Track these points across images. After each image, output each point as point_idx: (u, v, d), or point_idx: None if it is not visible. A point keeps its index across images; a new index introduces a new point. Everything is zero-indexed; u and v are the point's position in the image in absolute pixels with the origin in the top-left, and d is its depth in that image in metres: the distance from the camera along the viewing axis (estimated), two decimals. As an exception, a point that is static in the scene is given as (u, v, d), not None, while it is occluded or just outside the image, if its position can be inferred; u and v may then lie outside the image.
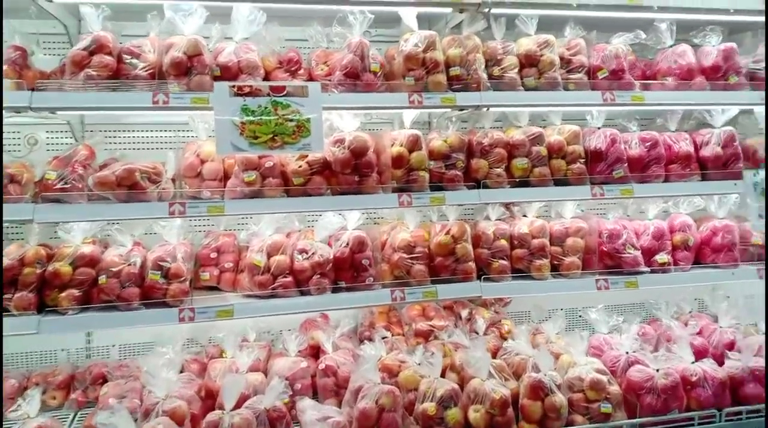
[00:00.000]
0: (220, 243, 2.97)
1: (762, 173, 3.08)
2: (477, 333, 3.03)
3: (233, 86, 2.58)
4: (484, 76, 2.91)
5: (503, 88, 2.91)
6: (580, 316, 3.51)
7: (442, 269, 2.88)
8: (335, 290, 2.74)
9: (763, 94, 3.10)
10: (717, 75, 3.11)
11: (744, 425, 2.71)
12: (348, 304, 2.73)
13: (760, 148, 3.19)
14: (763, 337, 2.98)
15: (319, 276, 2.69)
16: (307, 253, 2.72)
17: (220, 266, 2.92)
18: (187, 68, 2.61)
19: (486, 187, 2.91)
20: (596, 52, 3.12)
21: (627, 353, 2.87)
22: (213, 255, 2.94)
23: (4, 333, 2.33)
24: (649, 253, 3.12)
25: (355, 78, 2.75)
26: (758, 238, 3.16)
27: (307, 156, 2.73)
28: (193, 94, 2.56)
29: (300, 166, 2.71)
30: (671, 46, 3.20)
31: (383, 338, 2.89)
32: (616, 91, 2.99)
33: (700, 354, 2.93)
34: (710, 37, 3.18)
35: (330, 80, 2.77)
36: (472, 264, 2.89)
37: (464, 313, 3.12)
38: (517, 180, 2.96)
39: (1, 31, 2.54)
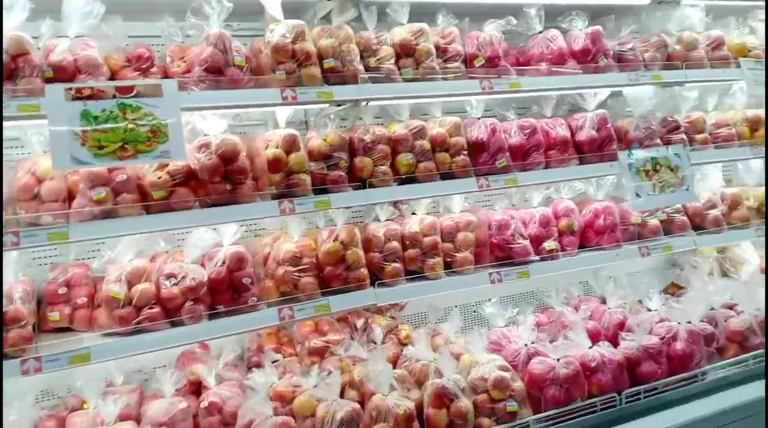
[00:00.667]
0: (69, 275, 2.51)
1: (636, 153, 3.16)
2: (375, 342, 2.84)
3: (70, 89, 2.17)
4: (361, 67, 2.72)
5: (382, 80, 2.75)
6: (475, 312, 3.45)
7: (334, 279, 2.65)
8: (213, 316, 2.41)
9: (629, 74, 3.19)
10: (587, 58, 3.15)
11: (643, 404, 2.76)
12: (229, 330, 2.40)
13: (630, 127, 3.28)
14: (653, 314, 3.07)
15: (192, 302, 2.34)
16: (176, 278, 2.36)
17: (72, 303, 2.47)
18: (10, 71, 2.18)
19: (372, 186, 2.72)
20: (470, 39, 3.05)
21: (526, 345, 2.82)
22: (62, 290, 2.48)
23: None
24: (537, 241, 3.10)
25: (217, 73, 2.44)
26: (637, 217, 3.25)
27: (167, 165, 2.37)
28: (20, 101, 2.14)
29: (159, 178, 2.35)
30: (541, 32, 3.20)
31: (274, 362, 2.61)
32: (494, 78, 2.93)
33: (594, 337, 2.94)
34: (576, 21, 3.23)
35: (189, 77, 2.44)
36: (364, 271, 2.69)
37: (359, 323, 2.91)
38: (404, 176, 2.81)
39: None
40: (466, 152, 2.95)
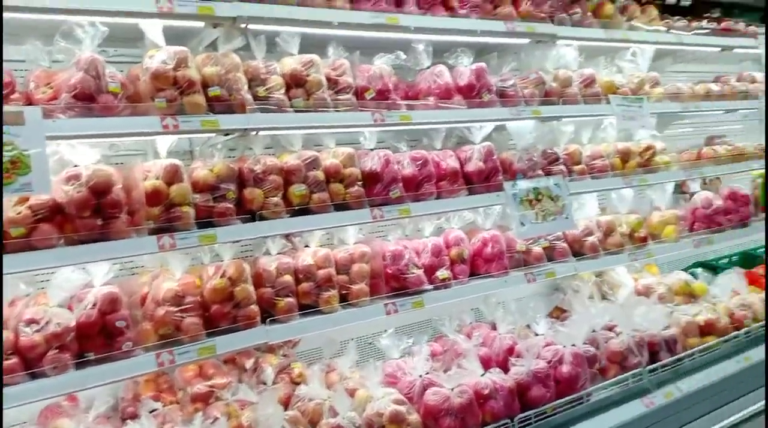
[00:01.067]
0: None
1: (519, 183, 3.30)
2: (265, 383, 2.70)
3: None
4: (249, 97, 2.64)
5: (272, 110, 2.67)
6: (371, 344, 3.40)
7: (221, 318, 2.50)
8: (81, 364, 2.17)
9: (511, 109, 3.34)
10: (472, 93, 3.26)
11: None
12: (99, 380, 2.16)
13: (514, 159, 3.42)
14: (540, 338, 3.17)
15: (57, 350, 2.10)
16: (38, 324, 2.12)
17: None
18: None
19: (263, 218, 2.62)
20: (361, 72, 3.07)
21: (421, 376, 2.81)
22: None
23: None
24: (430, 270, 3.12)
25: (88, 100, 2.26)
26: (522, 245, 3.38)
27: (28, 199, 2.14)
28: None
29: (19, 213, 2.12)
30: (429, 67, 3.29)
31: (152, 411, 2.39)
32: (385, 110, 2.96)
33: (486, 364, 2.98)
34: (462, 58, 3.35)
35: (56, 104, 2.23)
36: (254, 308, 2.56)
37: (249, 364, 2.76)
38: (296, 208, 2.73)
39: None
40: (360, 183, 2.93)
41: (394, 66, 3.21)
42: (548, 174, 3.52)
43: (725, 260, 4.81)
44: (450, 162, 3.24)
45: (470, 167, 3.29)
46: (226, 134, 2.74)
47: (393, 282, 3.00)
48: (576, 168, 3.67)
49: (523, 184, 3.34)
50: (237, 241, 2.66)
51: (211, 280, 2.54)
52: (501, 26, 3.37)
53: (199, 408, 2.49)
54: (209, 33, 2.74)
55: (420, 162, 3.15)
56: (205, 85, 2.55)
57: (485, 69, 3.35)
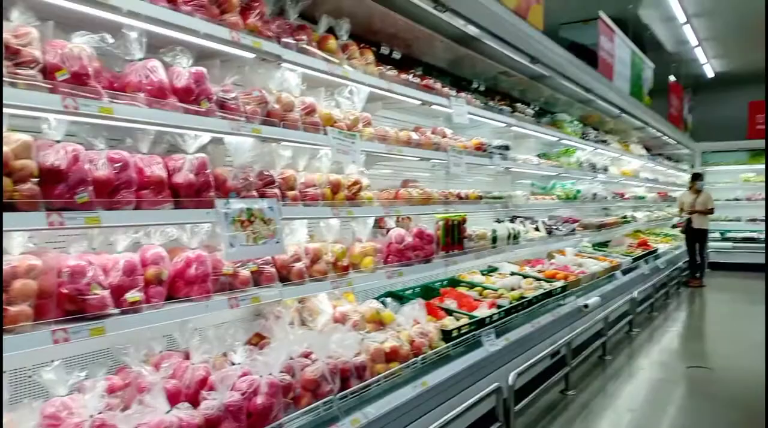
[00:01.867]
0: None
1: (233, 202, 3.11)
2: None
3: None
4: None
5: None
6: (30, 378, 2.78)
7: None
8: None
9: (231, 123, 3.16)
10: (190, 98, 2.98)
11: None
12: None
13: (229, 176, 3.22)
14: (237, 367, 2.98)
15: None
16: None
17: None
18: None
19: None
20: (53, 48, 2.54)
21: (92, 416, 2.37)
22: None
23: None
24: (119, 292, 2.69)
25: None
26: (229, 268, 3.18)
27: None
28: None
29: None
30: (141, 60, 2.91)
31: None
32: (81, 98, 2.49)
33: (175, 398, 2.68)
34: (181, 58, 3.05)
35: None
36: None
37: None
38: (-67, 203, 2.08)
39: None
40: (36, 180, 2.39)
41: (100, 51, 2.75)
42: (263, 196, 3.41)
43: (410, 291, 5.35)
44: (156, 169, 2.89)
45: (179, 178, 2.98)
46: None
47: (68, 304, 2.50)
48: (290, 193, 3.65)
49: (237, 204, 3.17)
50: None
51: None
52: (226, 33, 3.17)
53: None
54: None
55: (119, 164, 2.72)
56: None
57: (206, 75, 3.11)
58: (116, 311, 2.62)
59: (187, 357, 3.08)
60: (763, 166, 17.59)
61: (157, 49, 3.04)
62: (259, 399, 2.85)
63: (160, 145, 3.09)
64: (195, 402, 2.74)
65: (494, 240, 6.08)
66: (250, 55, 3.48)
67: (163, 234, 3.02)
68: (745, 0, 11.52)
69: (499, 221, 7.16)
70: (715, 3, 11.91)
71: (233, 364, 3.08)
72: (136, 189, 2.78)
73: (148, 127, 2.90)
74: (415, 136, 4.99)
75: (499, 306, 5.23)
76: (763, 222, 17.03)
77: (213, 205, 3.04)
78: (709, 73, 17.37)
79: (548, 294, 6.22)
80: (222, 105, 3.18)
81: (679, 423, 5.48)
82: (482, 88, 6.90)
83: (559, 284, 6.59)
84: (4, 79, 2.28)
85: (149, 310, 2.77)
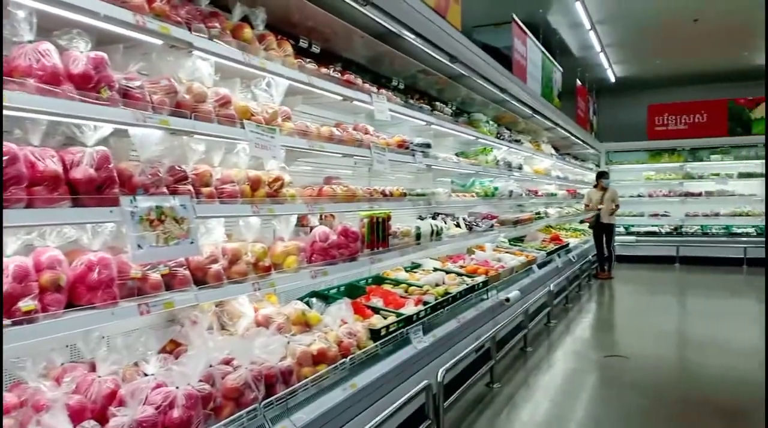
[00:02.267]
0: None
1: (140, 200, 2.85)
2: None
3: None
4: None
5: None
6: None
7: None
8: None
9: (135, 113, 2.90)
10: (88, 86, 2.70)
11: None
12: None
13: (136, 172, 2.96)
14: (149, 379, 2.72)
15: None
16: None
17: None
18: None
19: None
20: None
21: (-21, 443, 2.07)
22: None
23: None
24: (10, 300, 2.38)
25: None
26: (137, 271, 2.91)
27: None
28: None
29: None
30: (31, 42, 2.61)
31: None
32: (-44, 81, 2.18)
33: (79, 416, 2.40)
34: (78, 41, 2.76)
35: None
36: None
37: None
38: None
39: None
40: None
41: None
42: (174, 193, 3.16)
43: (335, 290, 5.20)
44: (50, 163, 2.59)
45: (78, 173, 2.69)
46: None
47: (-55, 316, 2.18)
48: (205, 190, 3.41)
49: (145, 201, 2.91)
50: None
51: None
52: (129, 16, 2.91)
53: None
54: None
55: (7, 158, 2.42)
56: None
57: (107, 61, 2.84)
58: (7, 322, 2.31)
59: (93, 368, 2.79)
60: (662, 165, 18.85)
61: (50, 32, 2.74)
62: (176, 413, 2.62)
63: (54, 136, 2.78)
64: (103, 420, 2.47)
65: (418, 236, 6.05)
66: (158, 42, 3.23)
67: (60, 235, 2.72)
68: (644, 9, 12.27)
69: (421, 218, 7.16)
70: (617, 11, 12.60)
71: (146, 375, 2.82)
72: (27, 185, 2.47)
73: (40, 116, 2.60)
74: (337, 132, 4.85)
75: (425, 303, 5.18)
76: (664, 217, 18.23)
77: (118, 203, 2.76)
78: (612, 78, 18.39)
79: (471, 289, 6.26)
80: (125, 94, 2.91)
81: (593, 411, 5.66)
82: (401, 86, 6.88)
83: (480, 279, 6.66)
84: None
85: (46, 320, 2.47)
